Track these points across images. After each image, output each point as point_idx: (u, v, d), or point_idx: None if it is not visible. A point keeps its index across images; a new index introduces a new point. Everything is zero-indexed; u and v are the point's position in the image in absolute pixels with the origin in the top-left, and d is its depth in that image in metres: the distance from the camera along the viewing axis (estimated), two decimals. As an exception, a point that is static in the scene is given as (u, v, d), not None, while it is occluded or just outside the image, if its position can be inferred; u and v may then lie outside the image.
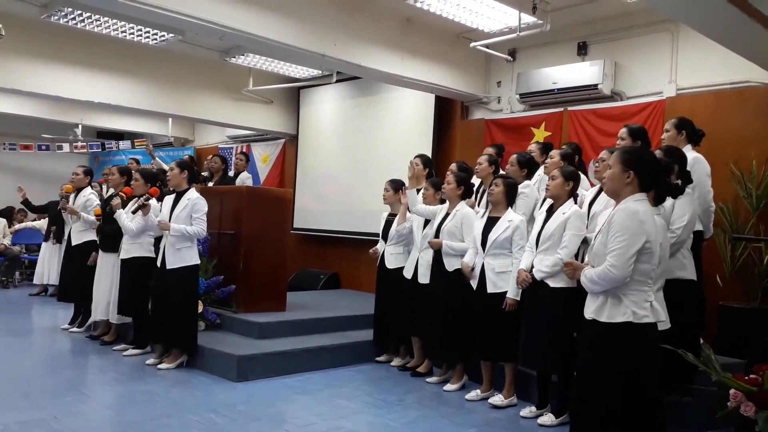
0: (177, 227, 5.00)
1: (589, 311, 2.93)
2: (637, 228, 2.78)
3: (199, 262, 5.23)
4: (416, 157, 5.51)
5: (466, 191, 4.91)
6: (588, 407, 2.91)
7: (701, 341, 3.97)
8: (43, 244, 9.06)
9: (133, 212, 5.27)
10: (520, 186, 4.88)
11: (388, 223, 5.53)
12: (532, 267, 4.10)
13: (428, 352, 5.19)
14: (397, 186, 5.54)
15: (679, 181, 3.67)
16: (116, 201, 5.47)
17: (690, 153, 4.13)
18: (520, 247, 4.35)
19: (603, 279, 2.81)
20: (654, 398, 2.85)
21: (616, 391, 2.79)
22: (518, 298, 4.27)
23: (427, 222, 5.15)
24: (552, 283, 3.98)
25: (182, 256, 5.04)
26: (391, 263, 5.44)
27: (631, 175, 2.87)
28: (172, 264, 5.03)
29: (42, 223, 9.68)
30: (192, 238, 5.08)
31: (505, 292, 4.34)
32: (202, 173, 7.89)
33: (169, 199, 5.24)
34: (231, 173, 8.01)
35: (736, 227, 5.22)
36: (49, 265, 8.81)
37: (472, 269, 4.55)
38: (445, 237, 4.83)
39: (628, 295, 2.80)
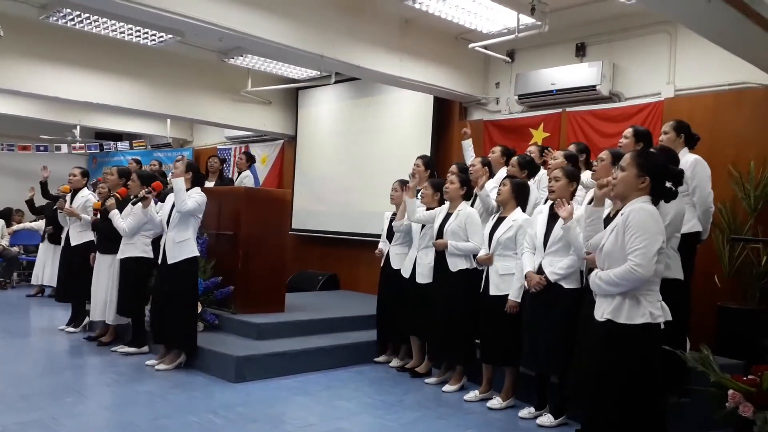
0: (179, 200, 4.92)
1: (604, 312, 2.85)
2: (656, 227, 2.77)
3: (198, 254, 5.21)
4: (418, 158, 5.52)
5: (468, 191, 4.90)
6: (599, 408, 2.88)
7: (687, 340, 3.99)
8: (41, 245, 9.06)
9: (133, 204, 5.29)
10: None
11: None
12: (539, 269, 4.06)
13: (430, 353, 5.18)
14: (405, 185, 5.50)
15: (671, 185, 3.66)
16: (111, 201, 5.49)
17: (689, 155, 4.14)
18: (524, 247, 4.30)
19: (627, 279, 2.74)
20: (661, 397, 2.86)
21: (632, 391, 2.76)
22: (519, 300, 4.25)
23: None
24: (566, 285, 3.95)
25: (182, 249, 5.01)
26: (396, 263, 5.40)
27: (646, 180, 2.85)
28: (173, 258, 5.00)
29: (40, 224, 9.68)
30: (192, 217, 5.04)
31: (508, 295, 4.31)
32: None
33: (170, 199, 5.22)
34: (229, 174, 8.00)
35: (734, 228, 5.23)
36: (45, 266, 8.80)
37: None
38: (449, 237, 4.79)
39: (646, 295, 2.78)
